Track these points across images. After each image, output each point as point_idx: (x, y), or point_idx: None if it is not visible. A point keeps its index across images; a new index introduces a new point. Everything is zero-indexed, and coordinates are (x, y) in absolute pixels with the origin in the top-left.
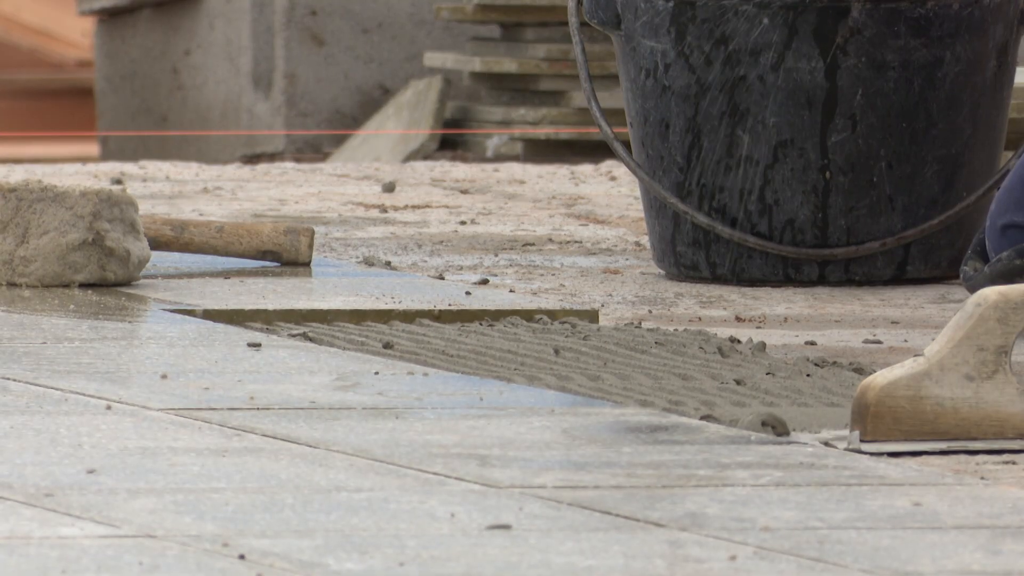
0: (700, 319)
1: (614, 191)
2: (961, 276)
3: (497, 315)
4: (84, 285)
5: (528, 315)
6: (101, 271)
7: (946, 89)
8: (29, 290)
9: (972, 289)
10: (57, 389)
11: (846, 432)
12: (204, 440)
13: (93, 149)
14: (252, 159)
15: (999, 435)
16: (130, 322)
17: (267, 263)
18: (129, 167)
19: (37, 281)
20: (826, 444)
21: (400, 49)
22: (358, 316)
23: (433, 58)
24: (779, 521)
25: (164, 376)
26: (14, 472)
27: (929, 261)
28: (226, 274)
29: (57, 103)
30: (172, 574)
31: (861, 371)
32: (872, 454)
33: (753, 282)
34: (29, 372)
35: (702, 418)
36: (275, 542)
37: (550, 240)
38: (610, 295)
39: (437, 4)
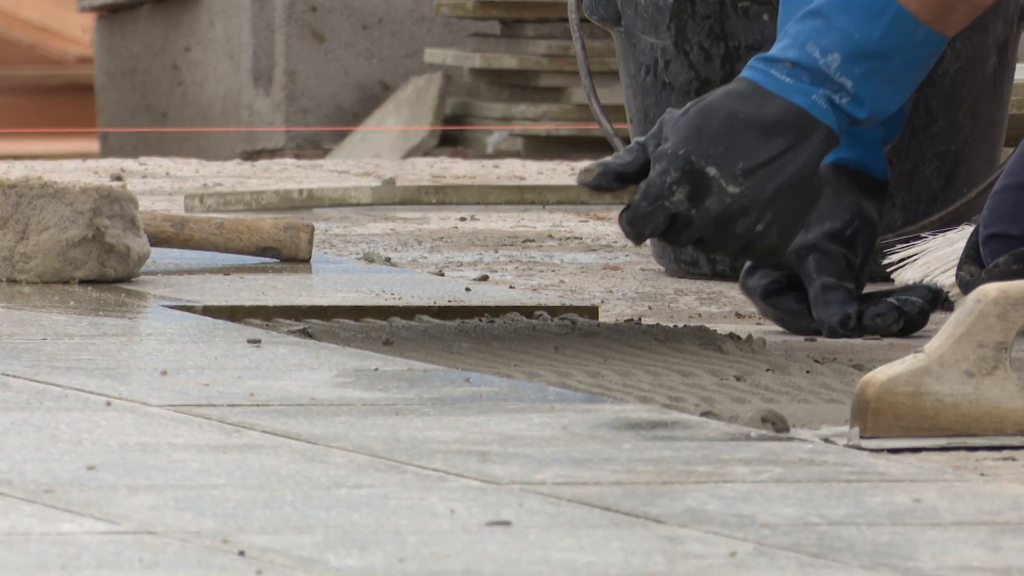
0: (700, 315)
1: None
2: (957, 281)
3: (497, 311)
4: (84, 281)
5: (528, 311)
6: (101, 267)
7: (946, 85)
8: (29, 286)
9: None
10: (57, 385)
11: (846, 428)
12: (204, 436)
13: (93, 145)
14: (252, 155)
15: (999, 431)
16: (130, 318)
17: (267, 259)
18: (129, 163)
19: (37, 277)
20: (826, 440)
21: (400, 45)
22: (358, 312)
23: (433, 54)
24: (779, 517)
25: (164, 372)
26: (14, 468)
27: None
28: (226, 270)
29: (57, 99)
30: (172, 570)
31: (861, 367)
32: (872, 450)
33: None
34: (29, 368)
35: (702, 414)
36: (275, 538)
37: (550, 236)
38: (610, 291)
39: (437, 0)
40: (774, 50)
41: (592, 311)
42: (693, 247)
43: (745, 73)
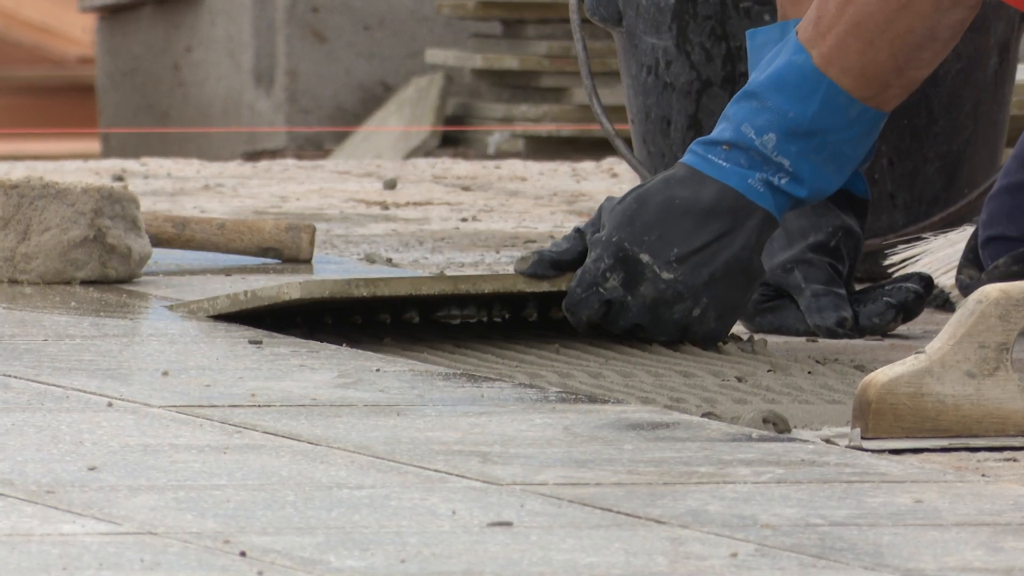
0: None
1: (615, 188)
2: (957, 284)
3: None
4: (85, 282)
5: (529, 312)
6: (103, 268)
7: (947, 86)
8: (31, 287)
9: None
10: (58, 386)
11: (847, 429)
12: (205, 437)
13: (94, 146)
14: (253, 156)
15: (1000, 432)
16: (131, 319)
17: (268, 260)
18: (130, 164)
19: (39, 278)
20: (827, 441)
21: (402, 46)
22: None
23: (435, 55)
24: (780, 518)
25: (165, 373)
26: (15, 469)
27: None
28: (227, 271)
29: (58, 100)
30: (173, 571)
31: (862, 368)
32: (873, 451)
33: None
34: (30, 369)
35: (703, 415)
36: (276, 539)
37: (552, 237)
38: None
39: (439, 1)
40: (713, 133)
41: None
42: (635, 332)
43: (684, 158)
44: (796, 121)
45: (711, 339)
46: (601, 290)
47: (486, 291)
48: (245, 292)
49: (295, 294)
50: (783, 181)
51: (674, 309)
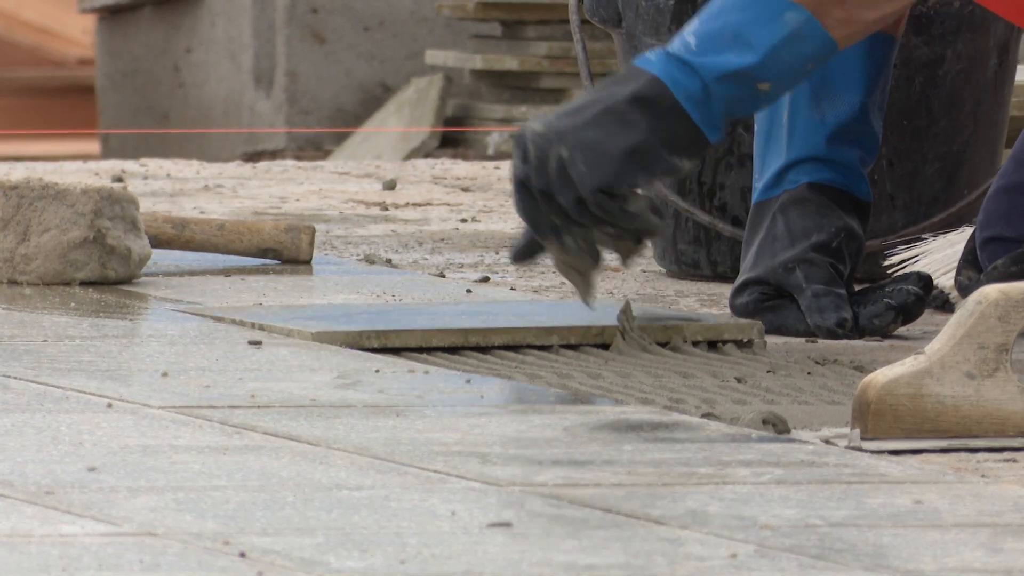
0: None
1: None
2: (956, 286)
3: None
4: (85, 283)
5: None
6: (102, 269)
7: (947, 87)
8: (30, 288)
9: None
10: (58, 387)
11: (847, 430)
12: (205, 438)
13: (94, 147)
14: (253, 157)
15: (1000, 433)
16: (131, 320)
17: (268, 261)
18: (130, 165)
19: (38, 279)
20: (827, 442)
21: (401, 47)
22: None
23: (434, 56)
24: (780, 519)
25: (165, 374)
26: (15, 470)
27: None
28: (227, 272)
29: (58, 101)
30: (173, 572)
31: (862, 369)
32: (873, 452)
33: None
34: (30, 370)
35: (703, 416)
36: (276, 540)
37: None
38: (611, 293)
39: (439, 2)
40: None
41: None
42: (561, 207)
43: None
44: (713, 9)
45: (586, 186)
46: (518, 177)
47: (496, 344)
48: (253, 323)
49: (307, 337)
50: (679, 50)
51: (550, 159)
